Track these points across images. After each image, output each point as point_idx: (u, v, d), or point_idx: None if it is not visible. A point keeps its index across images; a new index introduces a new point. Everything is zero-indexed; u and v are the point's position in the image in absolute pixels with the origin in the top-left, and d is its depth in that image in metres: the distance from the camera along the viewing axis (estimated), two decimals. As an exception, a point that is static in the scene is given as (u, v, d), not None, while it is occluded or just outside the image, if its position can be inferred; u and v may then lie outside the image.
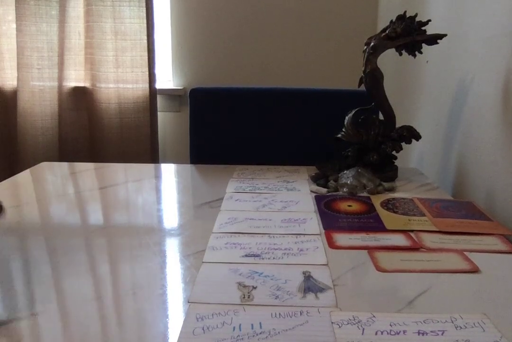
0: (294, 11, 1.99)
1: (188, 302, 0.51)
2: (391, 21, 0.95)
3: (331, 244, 0.67)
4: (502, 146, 0.84)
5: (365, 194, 0.91)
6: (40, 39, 1.93)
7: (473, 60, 0.98)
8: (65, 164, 1.19)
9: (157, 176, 1.10)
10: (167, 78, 2.13)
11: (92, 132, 2.03)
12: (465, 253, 0.64)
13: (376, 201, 0.86)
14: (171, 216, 0.82)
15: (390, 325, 0.46)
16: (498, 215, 0.82)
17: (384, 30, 0.95)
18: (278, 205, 0.84)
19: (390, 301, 0.52)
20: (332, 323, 0.47)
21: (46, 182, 1.01)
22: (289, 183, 0.98)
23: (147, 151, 2.02)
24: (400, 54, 0.96)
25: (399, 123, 1.03)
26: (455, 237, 0.70)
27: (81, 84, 2.02)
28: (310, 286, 0.54)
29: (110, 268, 0.60)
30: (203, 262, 0.61)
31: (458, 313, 0.49)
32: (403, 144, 1.01)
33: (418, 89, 1.37)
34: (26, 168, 1.10)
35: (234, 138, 1.29)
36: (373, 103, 1.01)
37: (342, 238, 0.69)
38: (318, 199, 0.88)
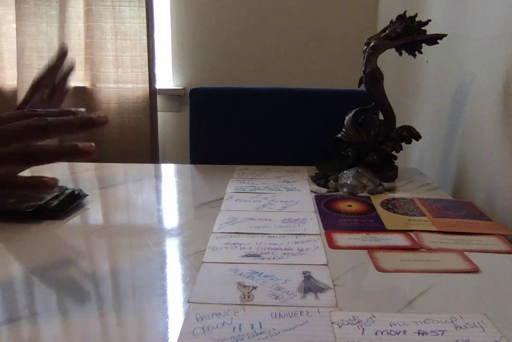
0: (294, 11, 1.99)
1: (188, 302, 0.51)
2: (391, 21, 0.95)
3: (331, 244, 0.67)
4: (502, 146, 0.84)
5: (365, 194, 0.91)
6: (40, 39, 1.93)
7: (473, 60, 0.98)
8: (65, 164, 1.19)
9: (157, 176, 1.10)
10: (167, 78, 2.13)
11: (92, 132, 2.02)
12: (465, 253, 0.64)
13: (376, 201, 0.86)
14: (171, 216, 0.82)
15: (390, 325, 0.46)
16: (498, 215, 0.82)
17: (384, 30, 0.95)
18: (278, 205, 0.84)
19: (390, 301, 0.52)
20: (332, 323, 0.47)
21: (46, 182, 1.00)
22: (289, 183, 0.98)
23: (147, 151, 2.02)
24: (400, 54, 0.96)
25: (399, 123, 1.03)
26: (455, 237, 0.70)
27: (81, 84, 2.02)
28: (310, 286, 0.54)
29: (110, 268, 0.60)
30: (203, 262, 0.61)
31: (458, 313, 0.49)
32: (403, 144, 1.01)
33: (418, 89, 1.37)
34: (26, 168, 1.10)
35: (234, 138, 1.29)
36: (373, 103, 1.01)
37: (342, 238, 0.69)
38: (318, 199, 0.88)
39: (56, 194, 0.81)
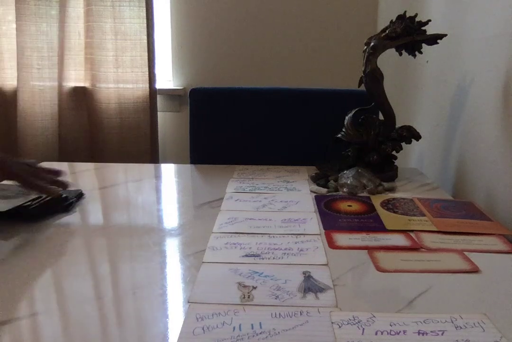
0: (294, 11, 1.99)
1: (188, 302, 0.51)
2: (391, 21, 0.95)
3: (331, 244, 0.67)
4: (502, 146, 0.84)
5: (365, 194, 0.91)
6: (40, 39, 1.92)
7: (473, 60, 0.98)
8: (65, 165, 1.19)
9: (157, 176, 1.10)
10: (167, 78, 2.13)
11: (92, 132, 2.03)
12: (465, 253, 0.64)
13: (376, 201, 0.86)
14: (171, 216, 0.82)
15: (390, 325, 0.46)
16: (498, 215, 0.82)
17: (384, 30, 0.95)
18: (278, 205, 0.84)
19: (390, 301, 0.52)
20: (332, 323, 0.47)
21: (46, 182, 1.00)
22: (289, 183, 0.98)
23: (147, 151, 2.02)
24: (400, 54, 0.96)
25: (399, 123, 1.03)
26: (455, 237, 0.70)
27: (81, 84, 2.02)
28: (310, 286, 0.54)
29: (110, 268, 0.60)
30: (203, 262, 0.61)
31: (458, 313, 0.49)
32: (403, 144, 1.01)
33: (418, 89, 1.37)
34: (26, 168, 1.10)
35: (234, 138, 1.29)
36: (373, 103, 1.01)
37: (342, 238, 0.69)
38: (318, 199, 0.88)
39: (37, 196, 0.78)
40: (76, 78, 2.01)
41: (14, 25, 1.92)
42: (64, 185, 0.79)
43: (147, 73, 1.96)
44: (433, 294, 0.54)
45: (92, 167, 1.13)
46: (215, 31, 2.03)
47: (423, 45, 0.95)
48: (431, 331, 0.46)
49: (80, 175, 1.07)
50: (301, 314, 0.48)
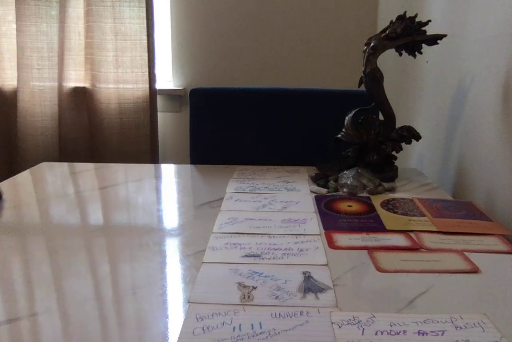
0: (294, 11, 1.99)
1: (188, 302, 0.51)
2: (391, 21, 0.95)
3: (331, 244, 0.67)
4: (502, 146, 0.84)
5: (365, 194, 0.91)
6: (40, 39, 1.93)
7: (473, 60, 0.98)
8: (65, 165, 1.19)
9: (157, 176, 1.10)
10: (167, 79, 2.13)
11: (92, 132, 2.03)
12: (465, 253, 0.64)
13: (376, 201, 0.86)
14: (171, 216, 0.82)
15: (390, 325, 0.46)
16: (498, 215, 0.82)
17: (384, 30, 0.95)
18: (278, 205, 0.84)
19: (390, 301, 0.52)
20: (332, 323, 0.47)
21: (46, 182, 1.00)
22: (289, 183, 0.98)
23: (147, 151, 2.02)
24: (400, 54, 0.96)
25: (399, 123, 1.03)
26: (455, 237, 0.70)
27: (81, 84, 2.02)
28: (310, 286, 0.54)
29: (110, 268, 0.60)
30: (203, 262, 0.61)
31: (458, 313, 0.49)
32: (403, 144, 1.01)
33: (418, 89, 1.37)
34: (26, 168, 1.10)
35: (234, 139, 1.29)
36: (373, 103, 1.01)
37: (342, 238, 0.69)
38: (318, 199, 0.88)
39: None
40: (76, 78, 2.01)
41: (14, 26, 1.92)
42: None
43: (147, 73, 1.96)
44: (433, 294, 0.54)
45: (92, 168, 1.13)
46: (215, 31, 2.03)
47: (423, 45, 0.95)
48: (431, 331, 0.46)
49: (80, 175, 1.07)
50: (301, 314, 0.48)
